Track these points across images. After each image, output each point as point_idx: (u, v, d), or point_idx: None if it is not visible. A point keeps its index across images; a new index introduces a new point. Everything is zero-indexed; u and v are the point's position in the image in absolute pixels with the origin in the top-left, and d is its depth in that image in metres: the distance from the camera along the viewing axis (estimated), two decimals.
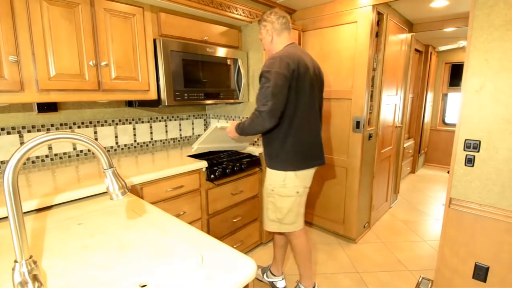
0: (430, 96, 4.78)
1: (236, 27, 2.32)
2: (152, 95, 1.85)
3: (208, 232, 1.96)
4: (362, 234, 2.70)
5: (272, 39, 1.64)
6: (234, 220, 2.14)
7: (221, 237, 2.06)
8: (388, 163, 3.11)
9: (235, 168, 2.05)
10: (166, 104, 1.86)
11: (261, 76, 1.52)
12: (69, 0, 1.45)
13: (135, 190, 1.54)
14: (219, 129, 1.84)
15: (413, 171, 4.81)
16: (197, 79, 2.04)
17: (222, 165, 1.97)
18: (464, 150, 1.60)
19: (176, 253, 0.86)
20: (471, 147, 1.58)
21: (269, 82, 1.44)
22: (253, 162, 2.20)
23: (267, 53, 1.73)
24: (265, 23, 1.63)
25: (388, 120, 2.91)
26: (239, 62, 2.26)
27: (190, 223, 1.82)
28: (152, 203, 1.61)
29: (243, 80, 2.29)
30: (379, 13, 2.35)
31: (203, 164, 1.85)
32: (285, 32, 1.64)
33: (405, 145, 4.23)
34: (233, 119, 2.54)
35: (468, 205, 1.61)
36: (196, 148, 1.96)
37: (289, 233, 1.77)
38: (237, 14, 2.20)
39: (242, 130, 1.63)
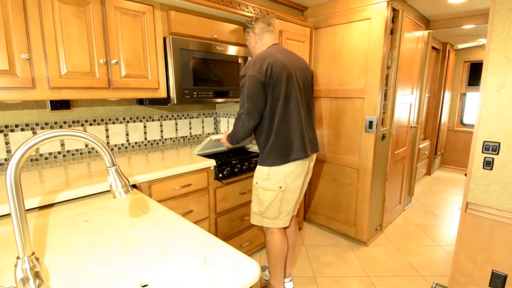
0: (447, 95, 4.63)
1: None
2: (162, 93, 1.86)
3: (216, 231, 1.95)
4: (374, 237, 2.63)
5: (256, 42, 1.74)
6: (242, 220, 2.12)
7: (229, 236, 2.05)
8: (402, 165, 3.03)
9: (244, 167, 2.03)
10: (175, 102, 1.86)
11: (239, 81, 1.61)
12: None
13: (144, 188, 1.55)
14: (213, 141, 1.94)
15: (428, 173, 4.67)
16: (207, 77, 2.03)
17: (231, 164, 1.96)
18: (482, 152, 1.53)
19: (179, 252, 0.85)
20: (490, 149, 1.50)
21: (245, 86, 1.55)
22: None
23: (253, 54, 1.80)
24: (248, 29, 1.76)
25: (403, 120, 2.82)
26: (249, 60, 2.23)
27: (197, 221, 1.83)
28: (160, 201, 1.61)
29: None
30: (394, 10, 2.28)
31: (211, 163, 1.85)
32: (266, 34, 1.72)
33: (420, 146, 4.11)
34: None
35: (486, 210, 1.54)
36: (197, 154, 2.04)
37: (266, 229, 1.79)
38: (248, 11, 2.18)
39: (232, 138, 1.73)
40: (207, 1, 1.88)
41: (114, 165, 0.82)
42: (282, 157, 1.64)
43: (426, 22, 2.97)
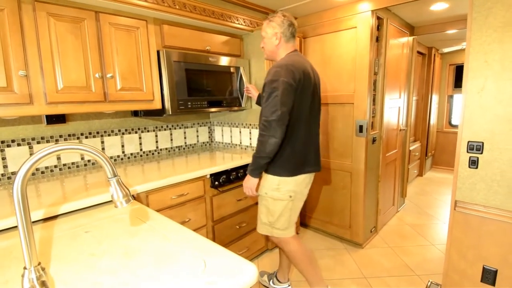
0: (435, 98, 4.76)
1: (238, 36, 2.37)
2: (157, 105, 1.90)
3: (213, 239, 1.98)
4: (369, 239, 2.67)
5: (280, 43, 1.62)
6: (240, 227, 2.15)
7: (226, 244, 2.07)
8: (394, 167, 3.10)
9: (239, 175, 2.07)
10: (170, 113, 1.90)
11: (266, 86, 1.50)
12: (75, 15, 1.51)
13: (141, 198, 1.57)
14: None
15: (420, 174, 4.76)
16: (201, 88, 2.08)
17: (226, 171, 1.99)
18: (467, 152, 1.60)
19: (179, 259, 0.88)
20: (474, 148, 1.57)
21: (277, 91, 1.44)
22: None
23: (268, 55, 1.72)
24: (275, 24, 1.59)
25: (392, 123, 2.90)
26: (241, 70, 2.30)
27: (195, 230, 1.85)
28: (158, 210, 1.64)
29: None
30: (379, 18, 2.37)
31: (207, 171, 1.88)
32: (291, 40, 1.64)
33: (411, 148, 4.20)
34: (237, 126, 2.57)
35: (474, 207, 1.60)
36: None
37: (279, 241, 1.75)
38: (238, 23, 2.25)
39: (255, 161, 1.56)
40: (199, 15, 1.94)
41: (116, 176, 0.86)
42: (296, 168, 1.61)
43: (411, 29, 3.08)
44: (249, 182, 1.65)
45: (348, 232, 2.61)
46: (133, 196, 1.53)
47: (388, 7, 2.41)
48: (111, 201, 1.41)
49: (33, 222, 1.20)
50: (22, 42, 1.37)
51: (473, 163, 1.58)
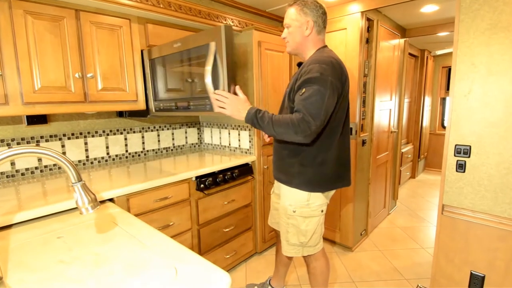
0: (427, 100, 4.76)
1: None
2: (141, 105, 1.86)
3: (199, 243, 1.94)
4: (359, 242, 2.65)
5: (311, 34, 1.36)
6: (227, 230, 2.11)
7: (213, 247, 2.03)
8: (385, 169, 3.08)
9: (226, 177, 2.03)
10: (154, 113, 1.86)
11: (310, 81, 1.23)
12: (54, 14, 1.46)
13: (122, 201, 1.53)
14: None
15: (413, 176, 4.76)
16: (176, 87, 1.76)
17: (213, 174, 1.96)
18: (454, 155, 1.58)
19: (150, 267, 0.85)
20: (462, 152, 1.55)
21: (325, 93, 1.20)
22: (245, 170, 2.19)
23: (293, 48, 1.43)
24: (307, 10, 1.33)
25: (383, 125, 2.89)
26: (212, 46, 1.39)
27: (179, 234, 1.81)
28: (139, 214, 1.60)
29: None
30: (369, 20, 2.36)
31: (192, 173, 1.84)
32: (323, 32, 1.41)
33: (403, 150, 4.20)
34: (225, 128, 2.54)
35: (461, 211, 1.58)
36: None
37: (308, 257, 1.56)
38: (226, 23, 2.21)
39: (265, 124, 1.25)
40: (185, 14, 1.90)
41: (80, 181, 0.82)
42: (330, 183, 1.41)
43: (402, 31, 3.07)
44: (235, 108, 1.29)
45: (337, 235, 2.59)
46: (111, 199, 1.49)
47: (378, 9, 2.39)
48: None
49: (6, 226, 1.15)
50: None
51: (461, 167, 1.56)
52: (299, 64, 1.51)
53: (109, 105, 1.72)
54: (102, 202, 1.43)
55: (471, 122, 1.52)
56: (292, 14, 1.38)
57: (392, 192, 3.36)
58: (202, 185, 1.89)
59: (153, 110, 1.85)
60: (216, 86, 1.38)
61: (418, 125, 4.60)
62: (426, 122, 4.83)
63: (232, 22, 2.25)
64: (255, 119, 1.28)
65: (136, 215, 1.58)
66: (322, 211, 1.47)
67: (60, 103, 1.53)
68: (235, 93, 1.36)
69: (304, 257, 1.58)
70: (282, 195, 1.51)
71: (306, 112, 1.18)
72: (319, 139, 1.35)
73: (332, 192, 1.52)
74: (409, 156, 4.51)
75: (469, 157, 1.54)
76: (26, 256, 0.94)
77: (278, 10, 2.41)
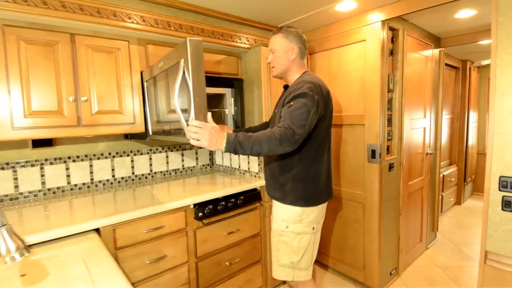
0: (473, 116, 4.22)
1: (235, 55, 2.23)
2: (139, 128, 1.78)
3: (197, 278, 1.76)
4: (388, 282, 2.28)
5: (295, 58, 1.49)
6: (230, 263, 1.91)
7: (213, 283, 1.84)
8: (421, 196, 2.69)
9: (229, 205, 1.86)
10: (151, 136, 1.77)
11: (298, 96, 1.31)
12: (48, 39, 1.45)
13: (107, 232, 1.42)
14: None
15: (458, 202, 4.17)
16: (163, 110, 1.60)
17: (217, 200, 1.80)
18: (499, 190, 1.25)
19: None
20: (509, 186, 1.22)
21: (311, 108, 1.28)
22: (253, 196, 2.00)
23: (279, 72, 1.53)
24: (292, 37, 1.47)
25: (416, 146, 2.54)
26: (182, 63, 1.20)
27: (174, 267, 1.66)
28: (125, 246, 1.47)
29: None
30: (392, 29, 2.11)
31: (189, 201, 1.70)
32: (304, 58, 1.56)
33: (445, 173, 3.71)
34: None
35: (510, 262, 1.23)
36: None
37: (296, 283, 1.52)
38: (241, 42, 2.12)
39: (247, 147, 1.18)
40: (186, 33, 1.83)
41: (4, 225, 0.70)
42: (321, 196, 1.48)
43: (436, 40, 2.74)
44: (212, 138, 1.14)
45: (361, 274, 2.25)
46: (97, 230, 1.38)
47: (404, 17, 2.14)
48: (55, 239, 1.26)
49: None
50: None
51: (508, 205, 1.23)
52: (286, 87, 1.60)
53: (106, 128, 1.66)
54: (84, 233, 1.34)
55: None
56: (278, 40, 1.50)
57: (430, 222, 2.92)
58: (200, 214, 1.74)
59: (150, 133, 1.76)
60: (186, 110, 1.21)
61: (463, 144, 4.08)
62: (472, 140, 4.27)
63: (247, 40, 2.15)
64: (238, 145, 1.17)
65: (122, 248, 1.46)
66: (313, 228, 1.47)
67: (52, 127, 1.49)
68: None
69: (291, 285, 1.57)
70: (275, 212, 1.54)
71: (291, 122, 1.24)
72: (310, 153, 1.43)
73: (324, 207, 1.53)
74: (453, 179, 3.97)
75: None
76: None
77: (293, 23, 2.26)
